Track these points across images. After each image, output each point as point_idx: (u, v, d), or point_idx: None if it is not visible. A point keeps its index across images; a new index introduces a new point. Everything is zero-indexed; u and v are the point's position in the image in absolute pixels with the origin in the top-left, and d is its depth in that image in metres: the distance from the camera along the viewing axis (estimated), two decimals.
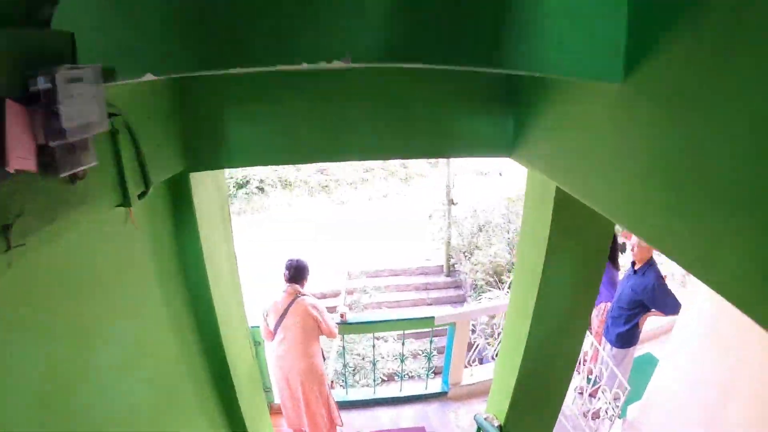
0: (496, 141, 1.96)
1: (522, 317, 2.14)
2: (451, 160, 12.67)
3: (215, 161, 1.83)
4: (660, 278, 4.13)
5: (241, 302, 2.49)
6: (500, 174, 20.31)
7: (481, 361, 4.65)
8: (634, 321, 4.26)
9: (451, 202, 12.15)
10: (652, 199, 1.03)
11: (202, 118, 1.74)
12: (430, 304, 12.12)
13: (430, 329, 4.13)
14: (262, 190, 17.00)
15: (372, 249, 14.32)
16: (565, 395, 2.56)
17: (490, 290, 4.74)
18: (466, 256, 12.08)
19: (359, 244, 14.58)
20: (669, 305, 4.09)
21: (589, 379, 4.66)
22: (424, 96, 1.85)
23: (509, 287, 5.46)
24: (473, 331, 4.44)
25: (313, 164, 19.00)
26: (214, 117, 1.76)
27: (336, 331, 3.73)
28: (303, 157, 2.07)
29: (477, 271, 10.96)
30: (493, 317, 5.28)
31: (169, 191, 1.79)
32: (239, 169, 16.87)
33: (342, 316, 3.99)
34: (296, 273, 3.65)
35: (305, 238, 15.11)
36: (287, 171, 17.65)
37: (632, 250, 4.17)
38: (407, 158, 1.94)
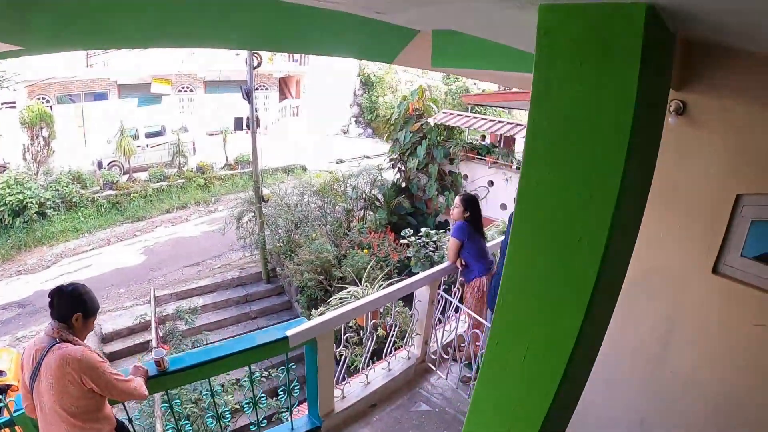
0: None
1: (563, 299, 1.11)
2: (260, 151, 11.58)
3: None
4: None
5: None
6: (304, 168, 19.87)
7: (343, 380, 3.79)
8: None
9: (262, 200, 11.05)
10: None
11: None
12: (255, 318, 11.01)
13: (285, 354, 3.12)
14: (43, 215, 13.79)
15: (178, 266, 12.58)
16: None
17: (344, 288, 3.97)
18: (286, 258, 11.13)
19: (162, 263, 12.69)
20: None
21: (470, 366, 4.17)
22: None
23: (369, 281, 4.71)
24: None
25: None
26: None
27: (140, 389, 2.33)
28: None
29: (302, 272, 10.08)
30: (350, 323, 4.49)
31: None
32: (10, 190, 13.31)
33: (159, 364, 2.68)
34: (61, 305, 2.19)
35: (97, 263, 12.67)
36: (70, 189, 14.58)
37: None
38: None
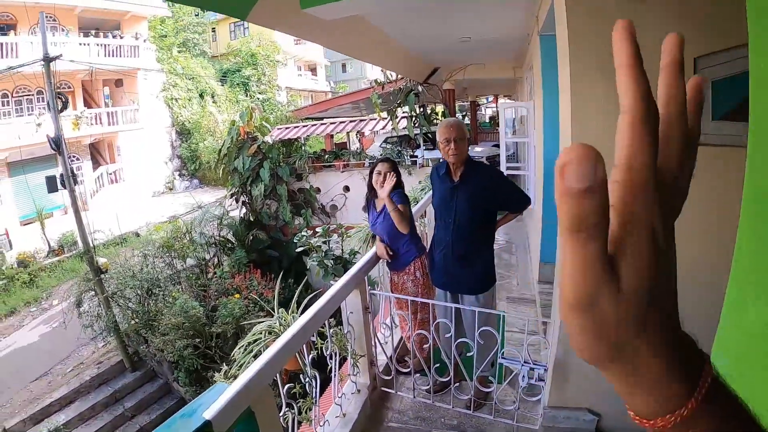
0: None
1: None
2: (85, 225, 9.35)
3: None
4: (498, 168, 3.13)
5: None
6: (137, 235, 17.34)
7: None
8: (490, 242, 3.08)
9: (100, 272, 8.92)
10: None
11: None
12: (133, 416, 8.92)
13: None
14: None
15: (23, 383, 9.85)
16: None
17: (222, 357, 2.76)
18: (147, 332, 9.11)
19: (3, 386, 9.80)
20: (522, 197, 3.03)
21: (443, 369, 3.28)
22: None
23: (276, 311, 3.53)
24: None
25: None
26: None
27: None
28: None
29: (174, 341, 8.19)
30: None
31: None
32: None
33: None
34: None
35: None
36: None
37: (446, 150, 2.91)
38: None
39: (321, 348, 3.05)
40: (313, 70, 37.84)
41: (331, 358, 2.94)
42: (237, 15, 3.02)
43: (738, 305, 1.27)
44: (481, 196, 2.94)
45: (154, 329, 8.72)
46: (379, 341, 3.43)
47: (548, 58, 4.49)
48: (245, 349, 3.23)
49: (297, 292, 3.93)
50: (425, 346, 3.35)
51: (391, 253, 3.38)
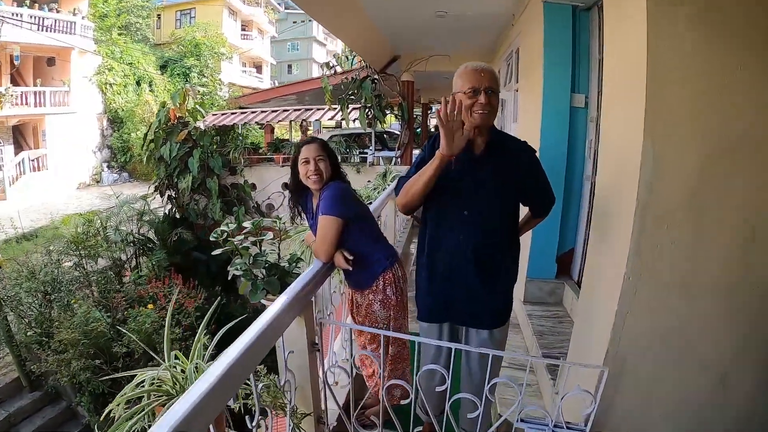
0: None
1: None
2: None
3: None
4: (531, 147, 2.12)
5: None
6: (56, 229, 15.33)
7: None
8: (517, 251, 2.12)
9: None
10: None
11: None
12: None
13: None
14: None
15: None
16: None
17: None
18: (42, 347, 7.45)
19: None
20: (552, 195, 2.13)
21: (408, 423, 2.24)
22: None
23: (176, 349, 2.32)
24: None
25: None
26: None
27: None
28: None
29: (69, 361, 6.59)
30: None
31: None
32: None
33: None
34: None
35: None
36: None
37: (471, 105, 1.86)
38: None
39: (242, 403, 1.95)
40: (258, 67, 36.78)
41: (259, 415, 1.84)
42: None
43: None
44: (512, 180, 1.97)
45: (50, 344, 7.09)
46: (330, 389, 2.34)
47: (555, 30, 3.64)
48: (125, 407, 2.06)
49: (208, 313, 2.75)
50: (396, 392, 2.33)
51: (351, 257, 2.29)
